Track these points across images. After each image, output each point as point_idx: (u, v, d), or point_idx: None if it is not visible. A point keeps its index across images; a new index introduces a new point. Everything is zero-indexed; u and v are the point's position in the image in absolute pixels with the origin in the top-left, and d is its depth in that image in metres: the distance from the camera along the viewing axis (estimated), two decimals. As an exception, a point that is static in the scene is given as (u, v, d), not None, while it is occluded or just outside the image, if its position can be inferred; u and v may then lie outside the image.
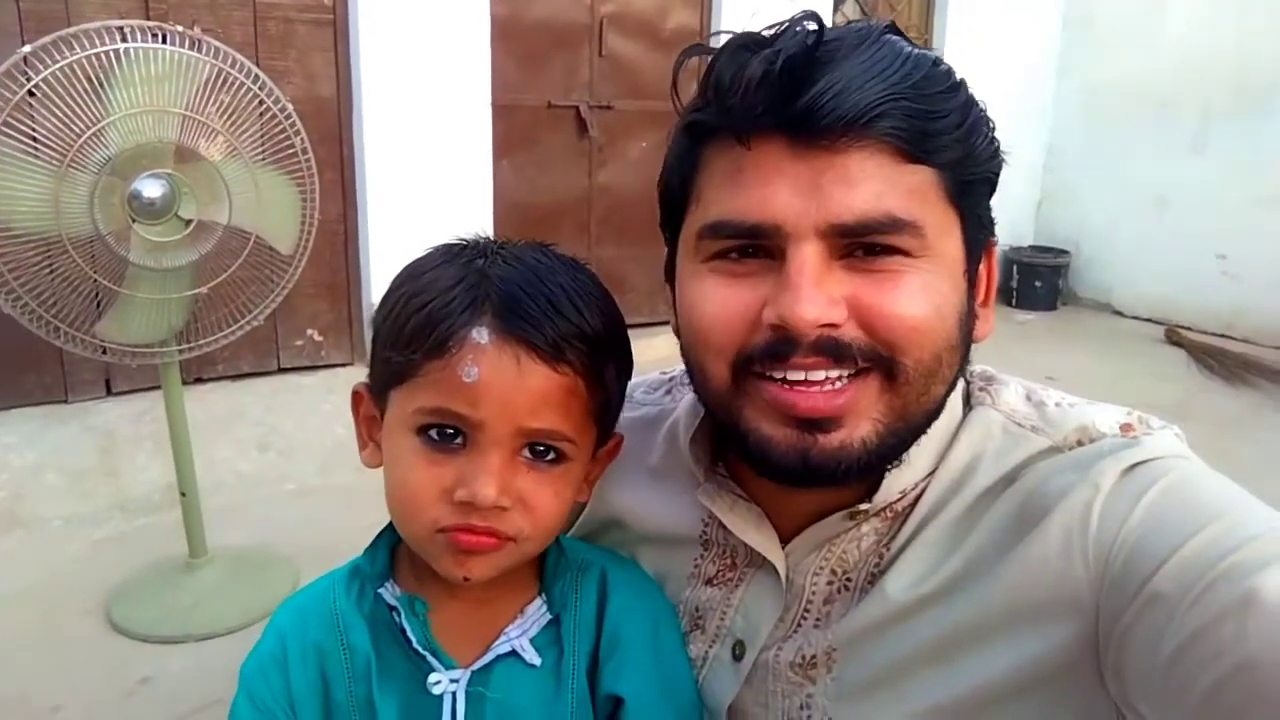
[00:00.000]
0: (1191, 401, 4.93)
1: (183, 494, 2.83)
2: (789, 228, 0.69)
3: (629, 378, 0.87)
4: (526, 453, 0.77)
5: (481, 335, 0.74)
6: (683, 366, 0.98)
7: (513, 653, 0.82)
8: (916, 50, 0.72)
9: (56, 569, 3.02)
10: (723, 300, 0.73)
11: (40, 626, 2.72)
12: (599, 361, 0.79)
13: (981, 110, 0.74)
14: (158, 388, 2.86)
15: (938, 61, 0.72)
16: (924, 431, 0.76)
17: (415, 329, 0.75)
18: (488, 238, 0.84)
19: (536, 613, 0.85)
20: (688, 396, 0.96)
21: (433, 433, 0.76)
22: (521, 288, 0.76)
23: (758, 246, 0.72)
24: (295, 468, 3.72)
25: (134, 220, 2.45)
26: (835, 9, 6.08)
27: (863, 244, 0.70)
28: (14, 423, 3.70)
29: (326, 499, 3.43)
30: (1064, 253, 7.07)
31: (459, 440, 0.76)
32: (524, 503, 0.76)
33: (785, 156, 0.69)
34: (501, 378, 0.73)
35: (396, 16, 4.36)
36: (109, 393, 3.99)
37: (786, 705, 0.83)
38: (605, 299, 0.82)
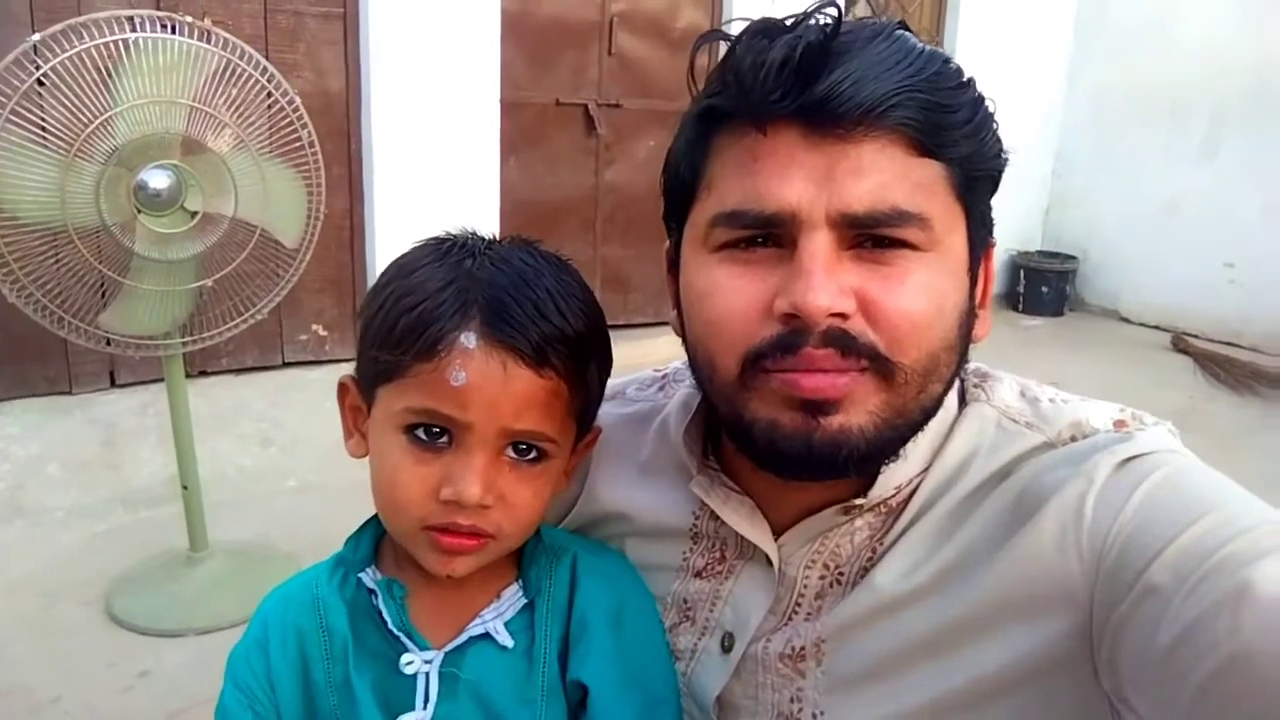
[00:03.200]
0: (1197, 410, 4.93)
1: (184, 487, 2.83)
2: (803, 216, 0.69)
3: (609, 376, 0.89)
4: (510, 452, 0.79)
5: (469, 340, 0.75)
6: (675, 364, 0.98)
7: (486, 635, 0.83)
8: (928, 47, 0.72)
9: (57, 560, 3.02)
10: (734, 291, 0.73)
11: (40, 617, 2.72)
12: (581, 363, 0.81)
13: (989, 108, 0.74)
14: (161, 380, 2.87)
15: (948, 59, 0.73)
16: (921, 428, 0.76)
17: (404, 330, 0.76)
18: (475, 234, 0.85)
19: (512, 597, 0.86)
20: (680, 392, 0.96)
21: (419, 432, 0.78)
22: (509, 292, 0.77)
23: (768, 235, 0.72)
24: (297, 463, 3.72)
25: (139, 211, 2.45)
26: (847, 10, 6.06)
27: (871, 236, 0.70)
28: (17, 413, 3.71)
29: (327, 495, 3.42)
30: (1071, 258, 7.06)
31: (445, 439, 0.77)
32: (505, 500, 0.78)
33: (800, 145, 0.69)
34: (488, 382, 0.75)
35: (407, 12, 4.37)
36: (113, 384, 4.00)
37: (777, 699, 0.83)
38: (589, 300, 0.84)
